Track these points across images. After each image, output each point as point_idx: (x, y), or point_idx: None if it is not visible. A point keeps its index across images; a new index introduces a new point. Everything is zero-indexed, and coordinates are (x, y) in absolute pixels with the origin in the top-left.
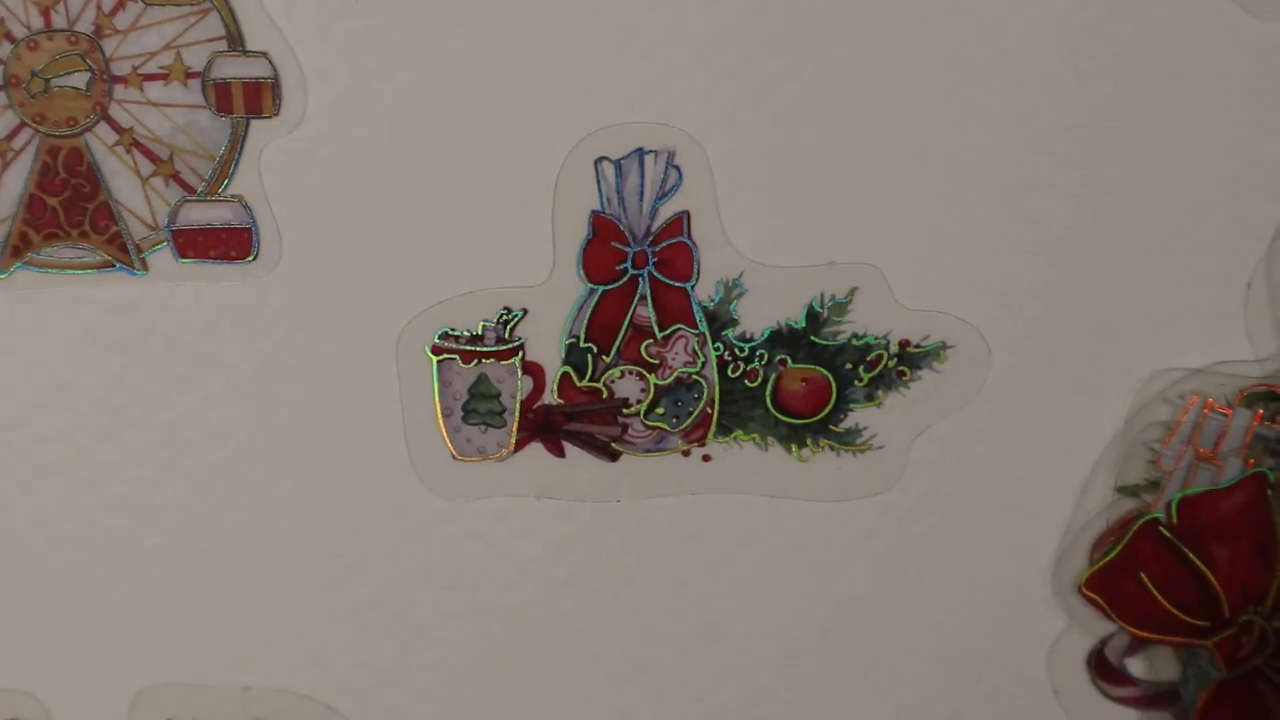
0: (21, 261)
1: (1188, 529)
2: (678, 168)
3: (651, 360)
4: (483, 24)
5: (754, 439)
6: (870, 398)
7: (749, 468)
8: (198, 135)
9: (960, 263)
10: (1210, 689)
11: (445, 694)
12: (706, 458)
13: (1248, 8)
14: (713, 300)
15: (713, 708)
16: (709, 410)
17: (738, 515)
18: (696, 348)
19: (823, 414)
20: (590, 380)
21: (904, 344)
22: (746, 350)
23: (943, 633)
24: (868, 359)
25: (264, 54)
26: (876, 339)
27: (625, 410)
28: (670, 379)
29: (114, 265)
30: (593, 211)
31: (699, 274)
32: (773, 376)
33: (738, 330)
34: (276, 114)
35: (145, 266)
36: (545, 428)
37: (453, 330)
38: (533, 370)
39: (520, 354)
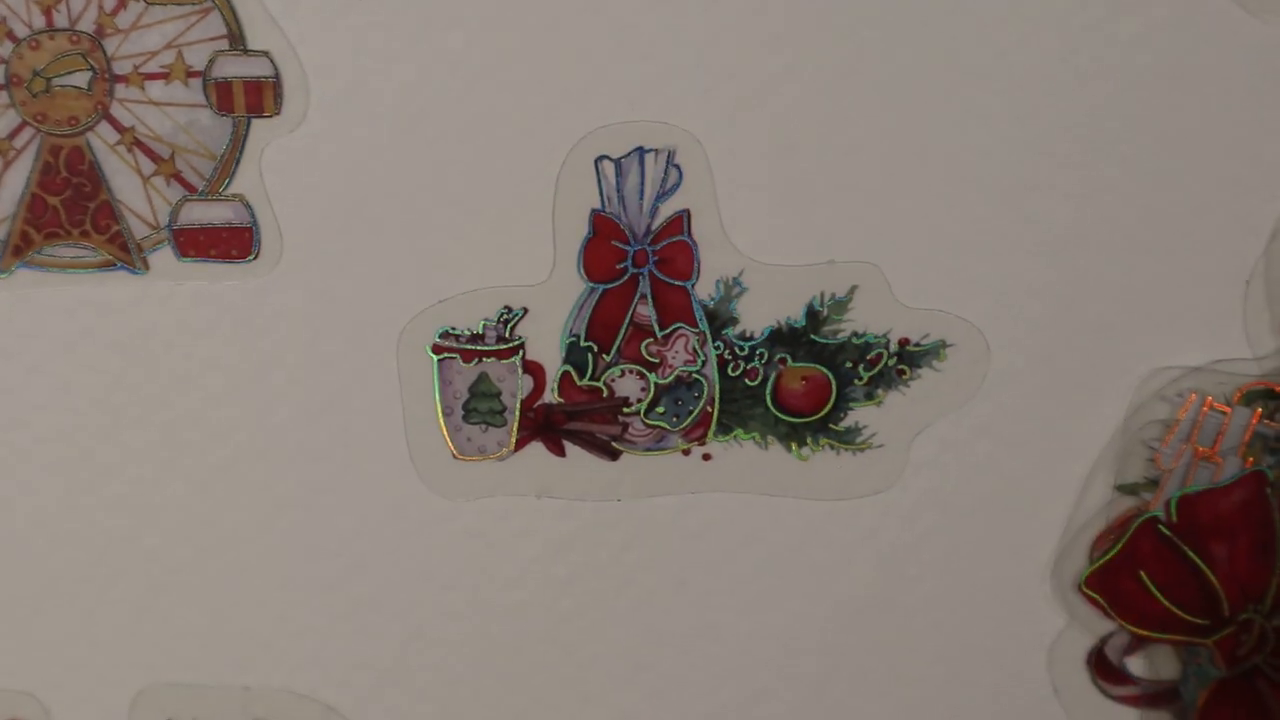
0: (22, 261)
1: (1187, 527)
2: (678, 166)
3: (652, 359)
4: (483, 23)
5: (754, 438)
6: (870, 396)
7: (749, 466)
8: (199, 134)
9: (960, 261)
10: (1210, 687)
11: (445, 694)
12: (707, 456)
13: (1247, 7)
14: (713, 299)
15: (713, 706)
16: (709, 409)
17: (738, 514)
18: (697, 346)
19: (823, 413)
20: (591, 379)
21: (904, 343)
22: (746, 349)
23: (943, 631)
24: (868, 358)
25: (265, 53)
26: (876, 338)
27: (626, 409)
28: (670, 378)
29: (115, 264)
30: (593, 210)
31: (699, 272)
32: (773, 375)
33: (738, 329)
34: (278, 113)
35: (146, 266)
36: (546, 427)
37: (453, 329)
38: (533, 369)
39: (521, 353)
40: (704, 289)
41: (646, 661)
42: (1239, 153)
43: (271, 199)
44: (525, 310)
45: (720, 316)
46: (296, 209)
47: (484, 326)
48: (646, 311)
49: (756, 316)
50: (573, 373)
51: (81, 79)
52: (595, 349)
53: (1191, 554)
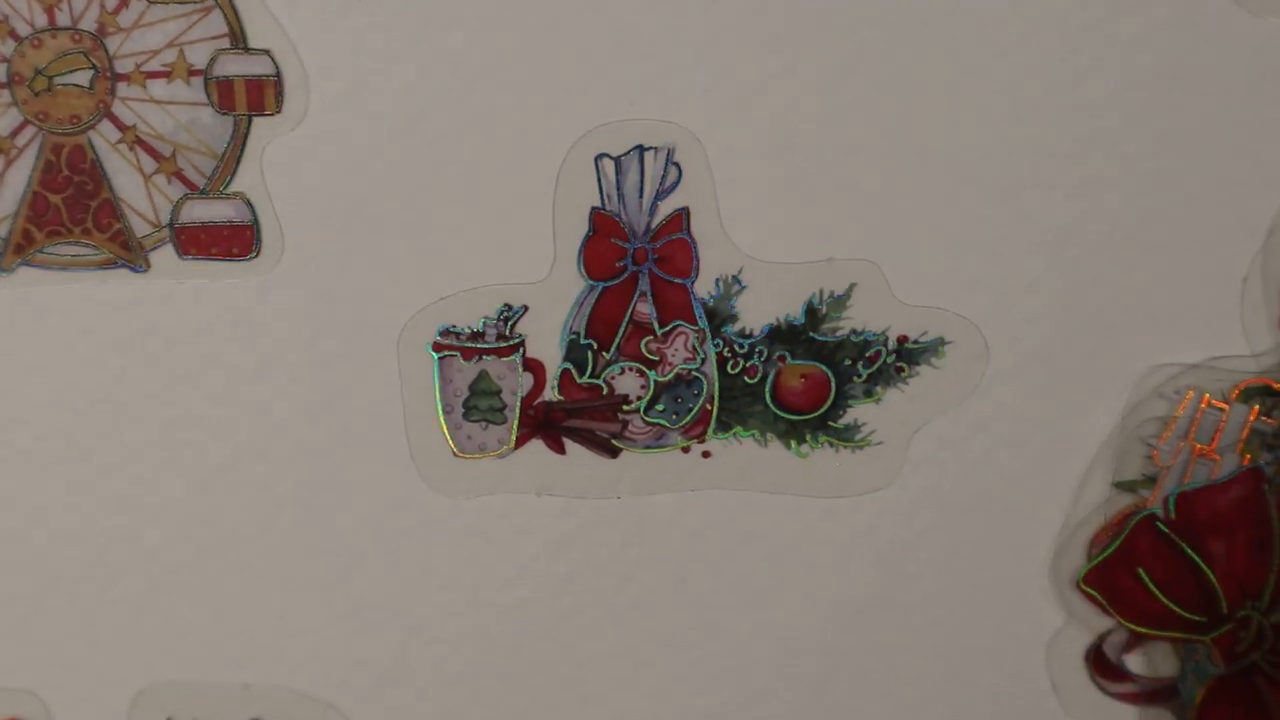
0: (24, 259)
1: (1185, 524)
2: (677, 164)
3: (651, 357)
4: (484, 22)
5: (753, 435)
6: (869, 394)
7: (748, 464)
8: (200, 133)
9: (958, 259)
10: (1208, 685)
11: (445, 692)
12: (706, 454)
13: (1245, 5)
14: (712, 296)
15: (713, 704)
16: (708, 406)
17: (737, 511)
18: (696, 344)
19: (822, 410)
20: (590, 377)
21: (902, 340)
22: (746, 346)
23: (941, 628)
24: (866, 355)
25: (266, 52)
26: (875, 335)
27: (625, 407)
28: (670, 375)
29: (116, 263)
30: (593, 208)
31: (698, 270)
32: (772, 373)
33: (737, 326)
34: (279, 111)
35: (148, 264)
36: (546, 424)
37: (454, 327)
38: (533, 367)
39: (521, 350)
40: (703, 287)
41: (646, 659)
42: (1237, 151)
43: (272, 197)
44: (525, 308)
45: (720, 314)
46: (297, 207)
47: (484, 324)
48: (646, 309)
49: (756, 314)
50: (573, 370)
51: (83, 77)
52: (595, 347)
53: (1189, 551)
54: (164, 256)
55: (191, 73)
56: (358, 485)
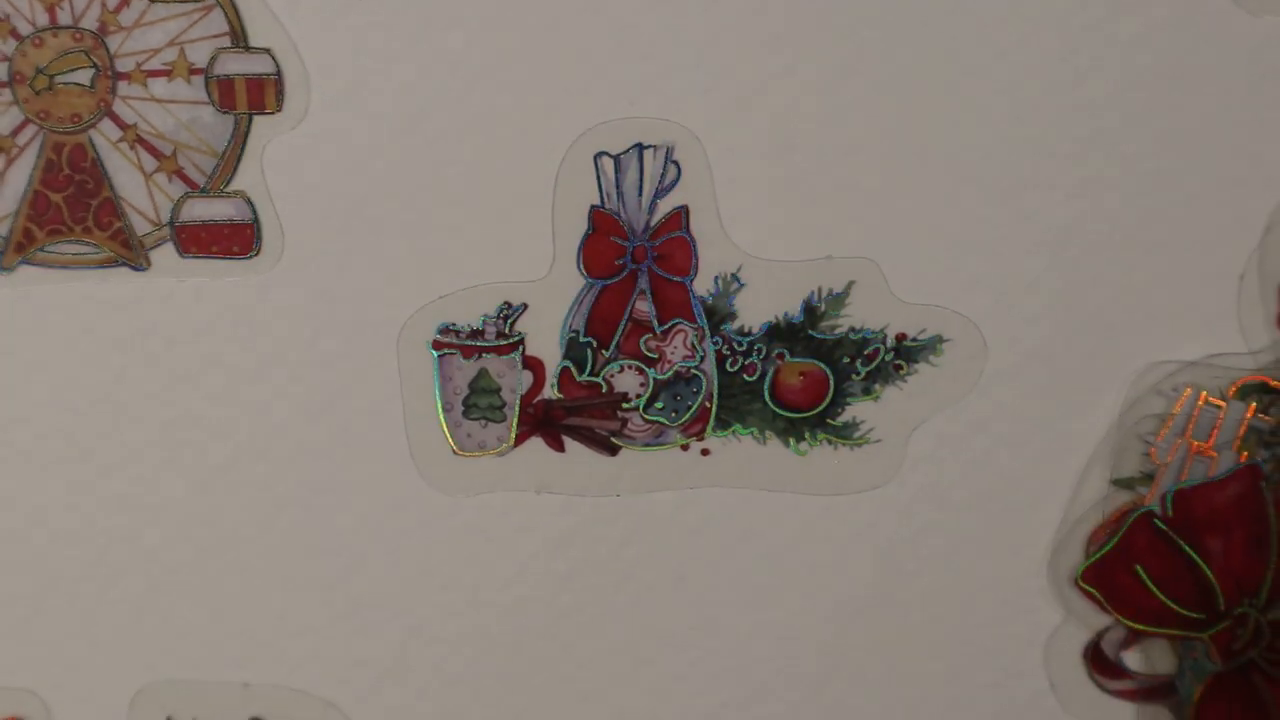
0: (25, 257)
1: (1182, 521)
2: (676, 163)
3: (650, 354)
4: (484, 21)
5: (752, 433)
6: (868, 391)
7: (747, 462)
8: (201, 131)
9: (957, 257)
10: (1206, 682)
11: (445, 690)
12: (705, 452)
13: (1244, 5)
14: (711, 294)
15: (712, 702)
16: (707, 404)
17: (736, 509)
18: (695, 342)
19: (820, 408)
20: (590, 375)
21: (901, 338)
22: (745, 344)
23: (940, 626)
24: (865, 353)
25: (267, 50)
26: (874, 333)
27: (625, 405)
28: (669, 373)
29: (117, 261)
30: (592, 206)
31: (697, 268)
32: (771, 370)
33: (736, 324)
34: (279, 110)
35: (148, 262)
36: (545, 422)
37: (453, 325)
38: (533, 365)
39: (520, 348)
40: (702, 285)
41: (646, 656)
42: (1234, 150)
43: (273, 196)
44: (525, 306)
45: (719, 312)
46: (298, 206)
47: (484, 322)
48: (645, 307)
49: (755, 312)
50: (572, 368)
51: (84, 76)
52: (594, 344)
53: (1187, 548)
54: (164, 255)
55: (192, 71)
56: (358, 484)
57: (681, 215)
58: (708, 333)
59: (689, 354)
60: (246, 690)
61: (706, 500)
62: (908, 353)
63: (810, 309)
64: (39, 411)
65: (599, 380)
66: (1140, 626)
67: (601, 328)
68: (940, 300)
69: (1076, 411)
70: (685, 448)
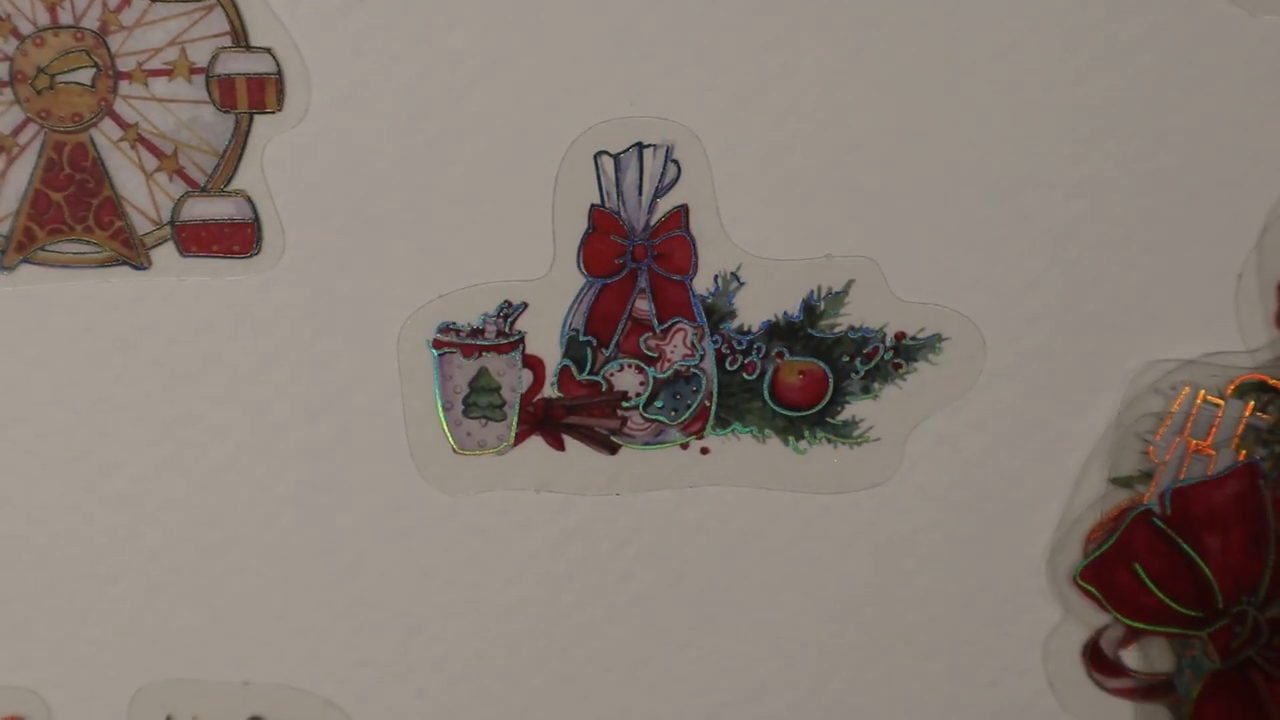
0: (25, 256)
1: (1181, 520)
2: (676, 162)
3: (650, 353)
4: (484, 21)
5: (752, 432)
6: (867, 390)
7: (747, 460)
8: (202, 130)
9: (955, 256)
10: (1205, 680)
11: (445, 689)
12: (705, 450)
13: (1243, 5)
14: (711, 293)
15: (712, 701)
16: (707, 403)
17: (735, 508)
18: (695, 341)
19: (820, 406)
20: (590, 374)
21: (900, 337)
22: (744, 343)
23: (938, 624)
24: (864, 352)
25: (268, 50)
26: (873, 332)
27: (624, 403)
28: (669, 372)
29: (118, 260)
30: (592, 205)
31: (697, 267)
32: (770, 369)
33: (735, 323)
34: (280, 109)
35: (149, 261)
36: (545, 421)
37: (453, 324)
38: (533, 363)
39: (521, 347)
40: (702, 283)
41: (645, 655)
42: (1232, 149)
43: (273, 195)
44: (525, 305)
45: (718, 311)
46: (298, 205)
47: (484, 321)
48: (645, 306)
49: (754, 311)
50: (572, 367)
51: (85, 75)
52: (594, 343)
53: (1185, 546)
54: (165, 254)
55: (193, 71)
56: (358, 483)
57: (681, 214)
58: (707, 331)
59: (689, 353)
60: (246, 689)
61: (706, 499)
62: (907, 351)
63: (810, 308)
64: (39, 411)
65: (599, 379)
66: (1139, 625)
67: (601, 326)
68: (939, 299)
69: (1075, 410)
70: (685, 446)
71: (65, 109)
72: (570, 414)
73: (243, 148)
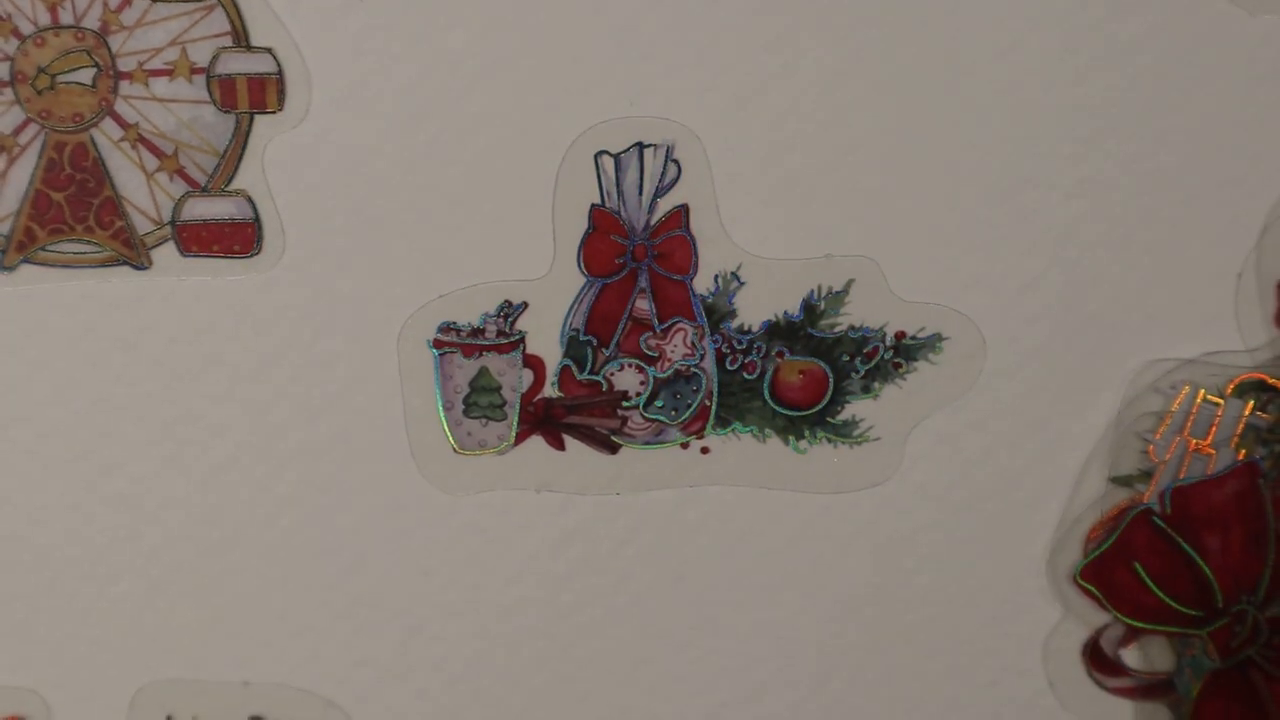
0: (26, 256)
1: (1181, 519)
2: (676, 162)
3: (650, 353)
4: (485, 21)
5: (752, 431)
6: (867, 390)
7: (747, 460)
8: (202, 130)
9: (955, 256)
10: (1204, 679)
11: (445, 689)
12: (705, 450)
13: (1242, 5)
14: (711, 293)
15: (712, 701)
16: (707, 403)
17: (736, 507)
18: (695, 340)
19: (820, 406)
20: (590, 373)
21: (900, 336)
22: (744, 343)
23: (938, 624)
24: (864, 351)
25: (268, 50)
26: (873, 331)
27: (625, 403)
28: (669, 371)
29: (118, 260)
30: (592, 205)
31: (697, 267)
32: (770, 369)
33: (735, 323)
34: (280, 109)
35: (149, 261)
36: (545, 421)
37: (454, 323)
38: (533, 363)
39: (521, 347)
40: (702, 283)
41: (646, 655)
42: (1232, 149)
43: (274, 195)
44: (525, 304)
45: (718, 310)
46: (299, 205)
47: (484, 321)
48: (645, 306)
49: (754, 310)
50: (572, 367)
51: (86, 75)
52: (595, 343)
53: (1185, 546)
54: (165, 254)
55: (194, 71)
56: (358, 483)
57: (681, 214)
58: (707, 331)
59: (689, 352)
60: (246, 689)
61: (706, 498)
62: (907, 351)
63: (810, 307)
64: (40, 411)
65: (599, 379)
66: (1139, 624)
67: (602, 326)
68: (939, 299)
69: (1075, 409)
70: (685, 446)
71: (66, 109)
72: (571, 414)
73: (243, 148)
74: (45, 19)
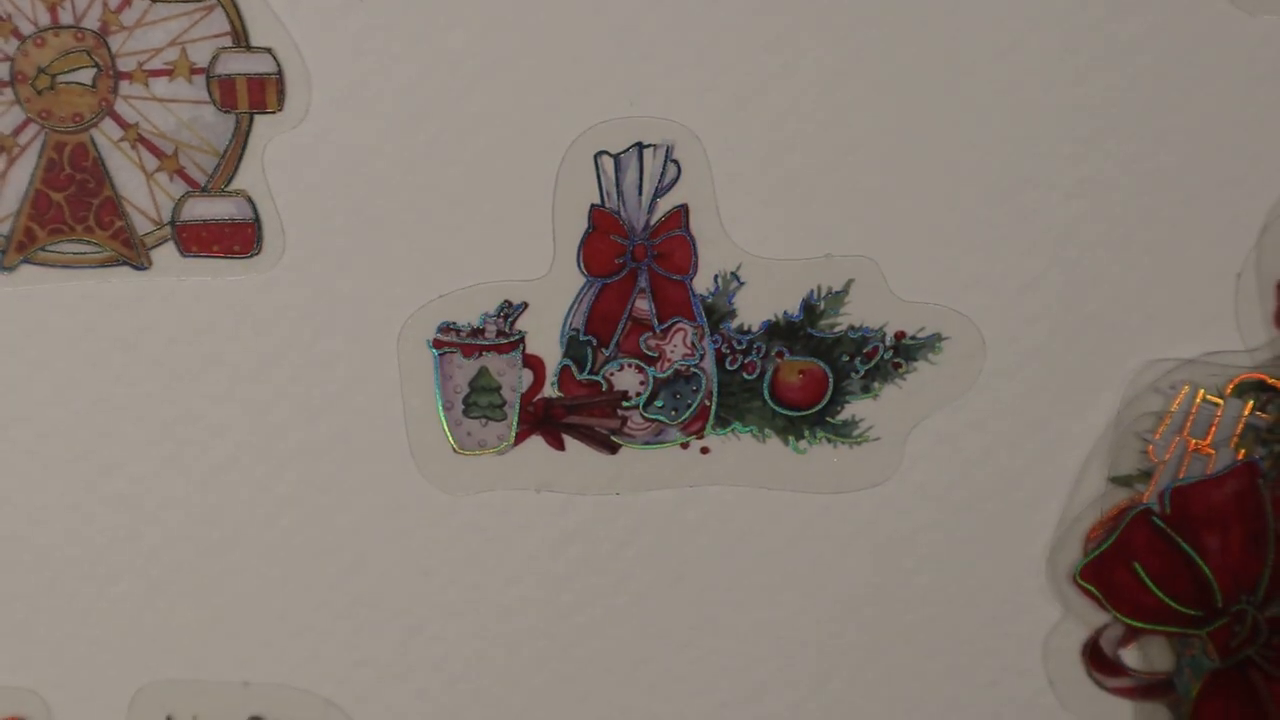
0: (26, 256)
1: (1180, 519)
2: (676, 162)
3: (650, 353)
4: (485, 21)
5: (751, 431)
6: (867, 390)
7: (747, 460)
8: (202, 130)
9: (955, 256)
10: (1204, 679)
11: (445, 689)
12: (705, 450)
13: (1241, 6)
14: (711, 293)
15: (712, 701)
16: (707, 403)
17: (735, 507)
18: (695, 340)
19: (819, 406)
20: (590, 373)
21: (900, 336)
22: (744, 343)
23: (938, 623)
24: (864, 351)
25: (268, 50)
26: (873, 331)
27: (624, 403)
28: (669, 372)
29: (118, 260)
30: (592, 205)
31: (697, 267)
32: (770, 369)
33: (735, 323)
34: (280, 109)
35: (149, 262)
36: (545, 421)
37: (454, 323)
38: (533, 363)
39: (521, 347)
40: (702, 283)
41: (646, 655)
42: (1232, 149)
43: (274, 195)
44: (525, 304)
45: (718, 310)
46: (299, 205)
47: (484, 321)
48: (645, 306)
49: (754, 310)
50: (572, 367)
51: (86, 76)
52: (594, 343)
53: (1185, 545)
54: (165, 254)
55: (193, 71)
56: (358, 483)
57: (681, 214)
58: (707, 331)
59: (688, 352)
60: (246, 690)
61: (706, 498)
62: (907, 351)
63: (809, 307)
64: (39, 411)
65: (599, 379)
66: (1138, 624)
67: (601, 326)
68: (939, 299)
69: (1075, 409)
70: (685, 446)
71: (66, 109)
72: (570, 414)
73: (243, 148)
74: (45, 19)
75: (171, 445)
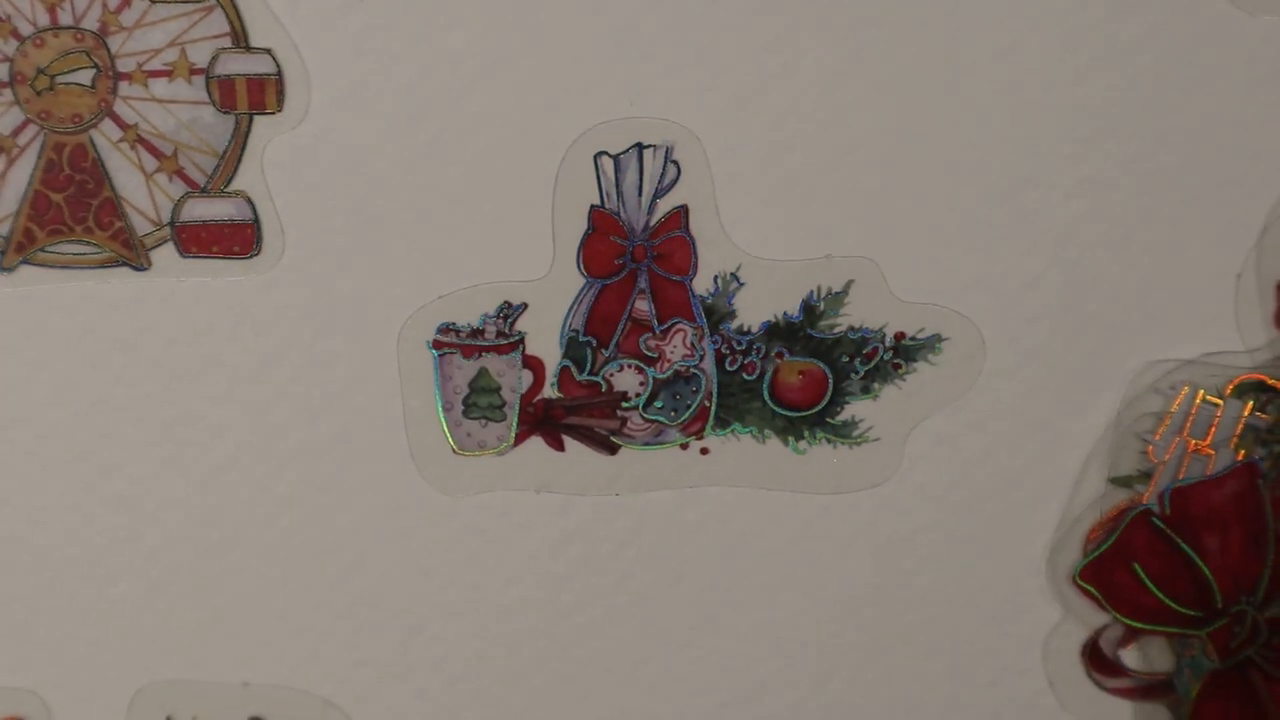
0: (25, 257)
1: (1180, 519)
2: (676, 163)
3: (650, 354)
4: (485, 21)
5: (751, 432)
6: (867, 390)
7: (746, 460)
8: (202, 131)
9: (955, 256)
10: (1204, 679)
11: (445, 689)
12: (704, 451)
13: (1241, 6)
14: (710, 294)
15: (712, 701)
16: (707, 403)
17: (735, 508)
18: (695, 341)
19: (819, 407)
20: (590, 374)
21: (900, 337)
22: (744, 343)
23: (938, 624)
24: (864, 352)
25: (268, 50)
26: (872, 332)
27: (624, 404)
28: (669, 372)
29: (117, 261)
30: (592, 206)
31: (697, 268)
32: (770, 369)
33: (735, 323)
34: (280, 110)
35: (149, 262)
36: (545, 421)
37: (453, 324)
38: (533, 364)
39: (520, 348)
40: (702, 284)
41: (646, 655)
42: (1232, 149)
43: (273, 195)
44: (525, 305)
45: (718, 311)
46: (298, 205)
47: (484, 321)
48: (645, 306)
49: (754, 311)
50: (572, 368)
51: (85, 76)
52: (594, 344)
53: (1185, 546)
54: (165, 255)
55: (193, 71)
56: (358, 483)
57: (681, 215)
58: (707, 332)
59: (688, 353)
60: (246, 690)
61: (706, 499)
62: (906, 352)
63: (809, 308)
64: (39, 411)
65: (599, 379)
66: (1138, 624)
67: (601, 327)
68: (939, 299)
69: (1074, 410)
70: (684, 447)
71: (65, 110)
72: (570, 414)
73: (243, 148)
74: (45, 20)
75: (171, 446)
